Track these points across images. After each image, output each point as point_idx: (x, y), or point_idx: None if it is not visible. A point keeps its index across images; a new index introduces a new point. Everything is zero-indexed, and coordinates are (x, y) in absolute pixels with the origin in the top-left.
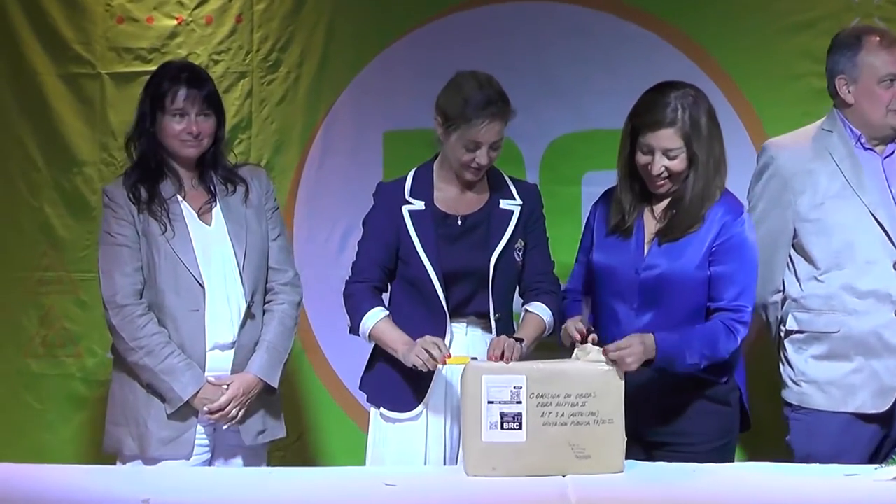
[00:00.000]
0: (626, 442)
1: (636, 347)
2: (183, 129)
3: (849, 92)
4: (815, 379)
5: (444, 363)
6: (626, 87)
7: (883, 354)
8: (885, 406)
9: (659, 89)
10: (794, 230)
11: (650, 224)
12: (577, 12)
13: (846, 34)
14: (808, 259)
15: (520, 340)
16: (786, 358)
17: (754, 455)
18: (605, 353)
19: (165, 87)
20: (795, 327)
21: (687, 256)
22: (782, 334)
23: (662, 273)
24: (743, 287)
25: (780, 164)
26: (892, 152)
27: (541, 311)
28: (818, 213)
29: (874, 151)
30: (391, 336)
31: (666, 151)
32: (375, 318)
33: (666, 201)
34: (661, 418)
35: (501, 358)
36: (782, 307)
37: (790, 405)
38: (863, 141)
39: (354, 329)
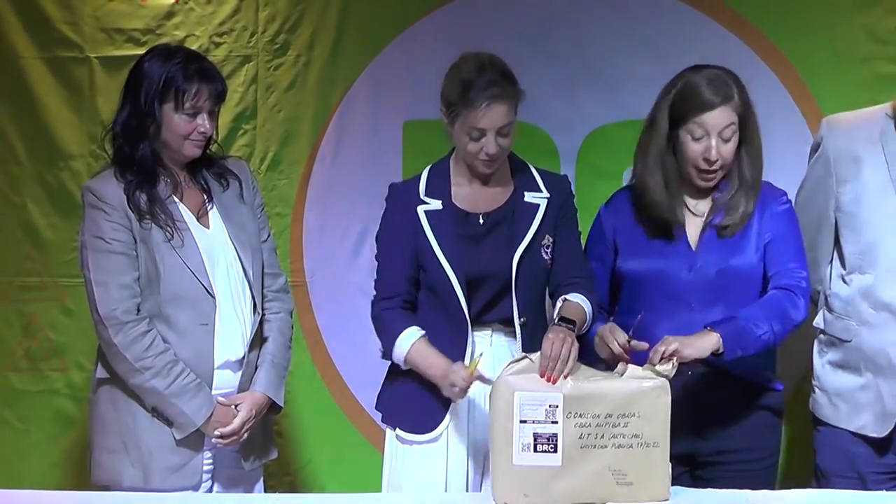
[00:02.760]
0: (672, 465)
1: (673, 345)
2: (194, 128)
3: None
4: (826, 387)
5: (469, 384)
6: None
7: (889, 376)
8: (885, 431)
9: (696, 70)
10: (836, 220)
11: (692, 220)
12: None
13: None
14: (840, 255)
15: (570, 323)
16: (813, 358)
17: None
18: (653, 356)
19: (180, 81)
20: (821, 326)
21: (745, 249)
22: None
23: (725, 269)
24: (794, 253)
25: (829, 146)
26: None
27: (581, 301)
28: (855, 206)
29: None
30: (428, 362)
31: (721, 132)
32: (410, 340)
33: (709, 195)
34: (714, 433)
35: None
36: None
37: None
38: None
39: (387, 354)
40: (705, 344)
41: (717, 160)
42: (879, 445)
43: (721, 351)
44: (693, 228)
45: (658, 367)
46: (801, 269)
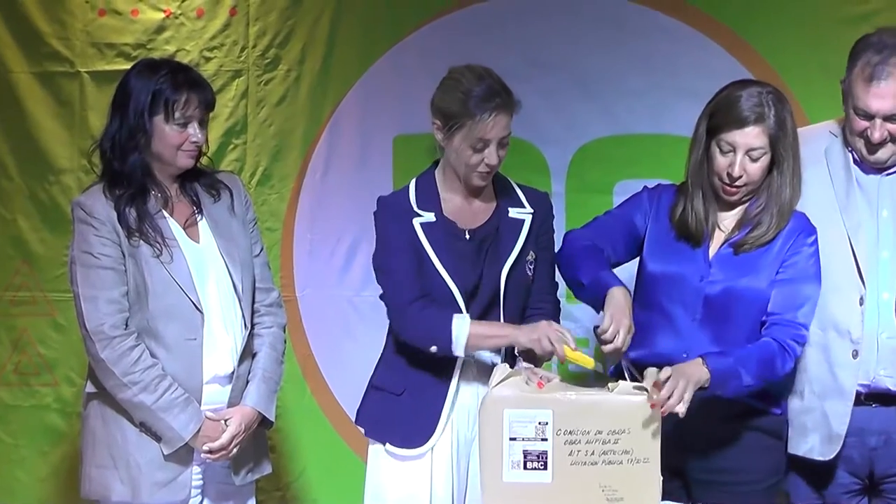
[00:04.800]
0: (665, 479)
1: (680, 385)
2: (186, 138)
3: (843, 103)
4: None
5: (563, 360)
6: (664, 87)
7: (834, 397)
8: (831, 454)
9: (739, 86)
10: None
11: (717, 234)
12: (611, 4)
13: (859, 42)
14: None
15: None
16: None
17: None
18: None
19: (169, 92)
20: None
21: (758, 272)
22: None
23: (732, 288)
24: (809, 304)
25: None
26: (895, 171)
27: None
28: None
29: (872, 168)
30: (492, 331)
31: (749, 151)
32: (464, 322)
33: (738, 210)
34: (707, 452)
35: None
36: None
37: None
38: (857, 156)
39: (445, 347)
40: (699, 381)
41: (739, 176)
42: (830, 466)
43: (704, 387)
44: (716, 241)
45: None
46: (806, 323)
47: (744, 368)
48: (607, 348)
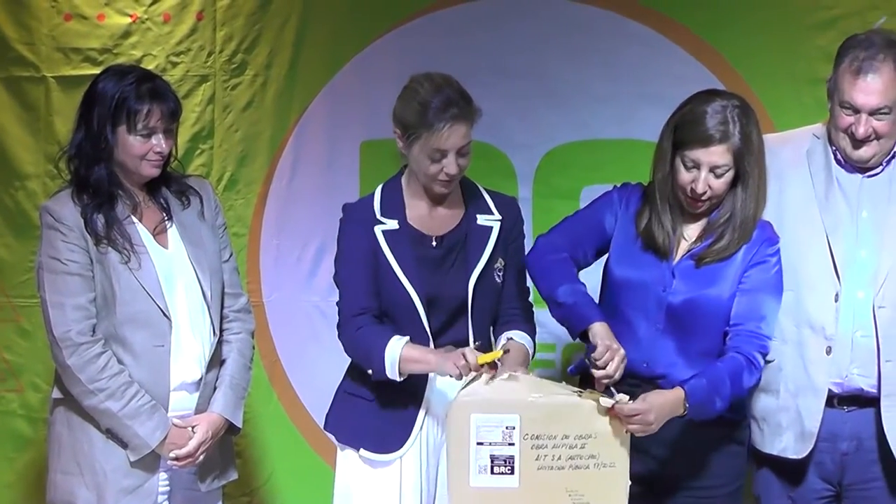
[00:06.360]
0: (631, 486)
1: (649, 417)
2: (149, 149)
3: (828, 102)
4: (753, 412)
5: (477, 369)
6: (631, 93)
7: (808, 394)
8: (804, 451)
9: (703, 100)
10: None
11: (682, 244)
12: (576, 9)
13: (847, 41)
14: None
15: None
16: None
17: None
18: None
19: (132, 102)
20: None
21: (721, 282)
22: None
23: (694, 298)
24: (769, 313)
25: None
26: (877, 173)
27: (526, 342)
28: (779, 223)
29: (855, 169)
30: (421, 356)
31: (713, 168)
32: (399, 346)
33: (702, 221)
34: (671, 459)
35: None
36: None
37: None
38: (839, 157)
39: (378, 371)
40: (673, 413)
41: (704, 192)
42: (803, 468)
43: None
44: (680, 251)
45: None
46: (769, 335)
47: (717, 395)
48: (599, 373)
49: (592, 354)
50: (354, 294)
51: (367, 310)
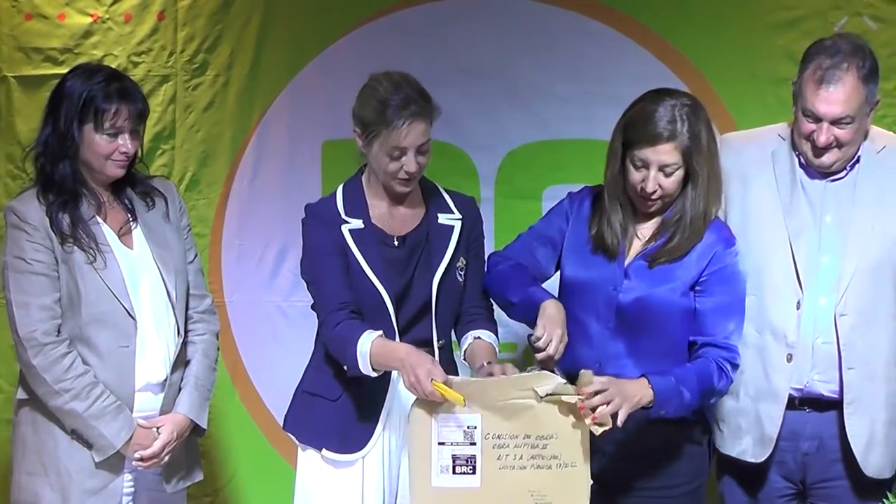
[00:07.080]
0: (591, 486)
1: (615, 402)
2: (115, 148)
3: (793, 105)
4: (715, 414)
5: (426, 396)
6: (593, 93)
7: (768, 399)
8: (763, 455)
9: (653, 99)
10: None
11: (635, 243)
12: (538, 9)
13: (814, 46)
14: None
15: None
16: None
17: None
18: (588, 401)
19: (100, 101)
20: None
21: (673, 282)
22: None
23: (645, 297)
24: (736, 323)
25: (721, 164)
26: (841, 178)
27: (493, 341)
28: (742, 226)
29: (819, 174)
30: (388, 352)
31: (663, 167)
32: (367, 341)
33: (656, 220)
34: (629, 459)
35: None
36: None
37: None
38: (803, 161)
39: (353, 367)
40: (641, 401)
41: (654, 192)
42: (765, 468)
43: (647, 407)
44: (633, 250)
45: (592, 426)
46: (737, 337)
47: (685, 387)
48: (540, 356)
49: (531, 336)
50: (331, 290)
51: (347, 304)
